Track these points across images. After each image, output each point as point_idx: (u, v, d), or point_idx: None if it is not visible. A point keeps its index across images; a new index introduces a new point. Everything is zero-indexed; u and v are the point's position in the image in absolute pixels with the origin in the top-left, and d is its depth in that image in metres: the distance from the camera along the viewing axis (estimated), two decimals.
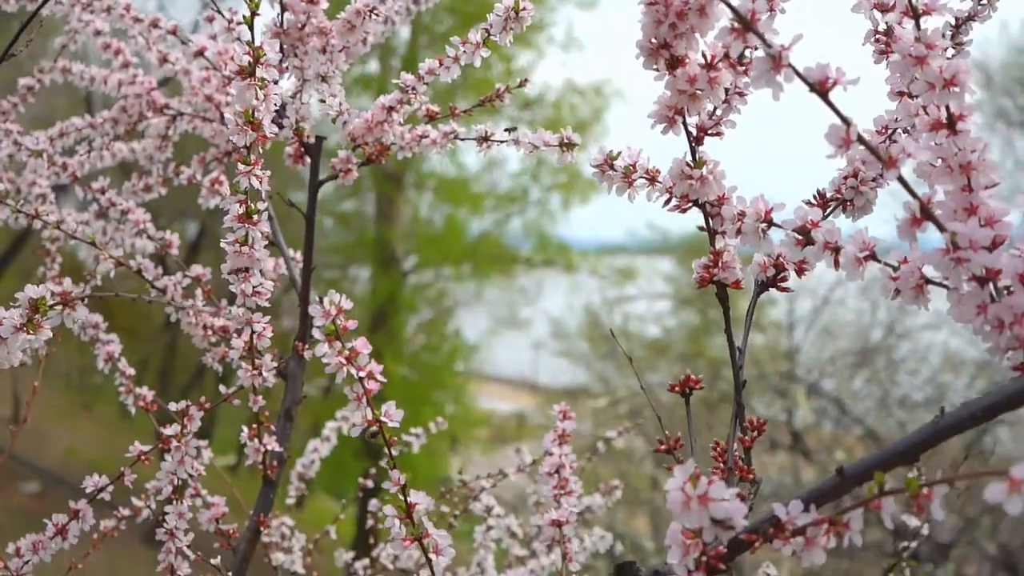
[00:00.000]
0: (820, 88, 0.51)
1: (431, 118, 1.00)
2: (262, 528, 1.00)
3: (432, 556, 0.65)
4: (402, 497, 0.65)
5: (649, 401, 0.81)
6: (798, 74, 0.51)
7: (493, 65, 11.23)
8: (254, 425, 0.97)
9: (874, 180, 0.67)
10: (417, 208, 12.20)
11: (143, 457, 0.93)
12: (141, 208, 1.11)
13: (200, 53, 1.06)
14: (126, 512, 1.12)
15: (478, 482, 1.35)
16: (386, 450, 0.65)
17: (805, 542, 0.51)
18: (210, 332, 1.03)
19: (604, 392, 8.44)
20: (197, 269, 1.06)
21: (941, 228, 0.51)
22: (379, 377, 0.63)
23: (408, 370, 10.72)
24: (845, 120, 0.51)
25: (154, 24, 1.10)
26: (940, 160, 0.55)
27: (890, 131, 0.70)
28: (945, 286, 0.54)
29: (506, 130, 0.93)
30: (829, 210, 0.69)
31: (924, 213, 0.52)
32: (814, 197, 0.69)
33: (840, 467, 0.52)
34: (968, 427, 0.49)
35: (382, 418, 0.63)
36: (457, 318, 12.14)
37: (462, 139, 0.96)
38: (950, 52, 0.72)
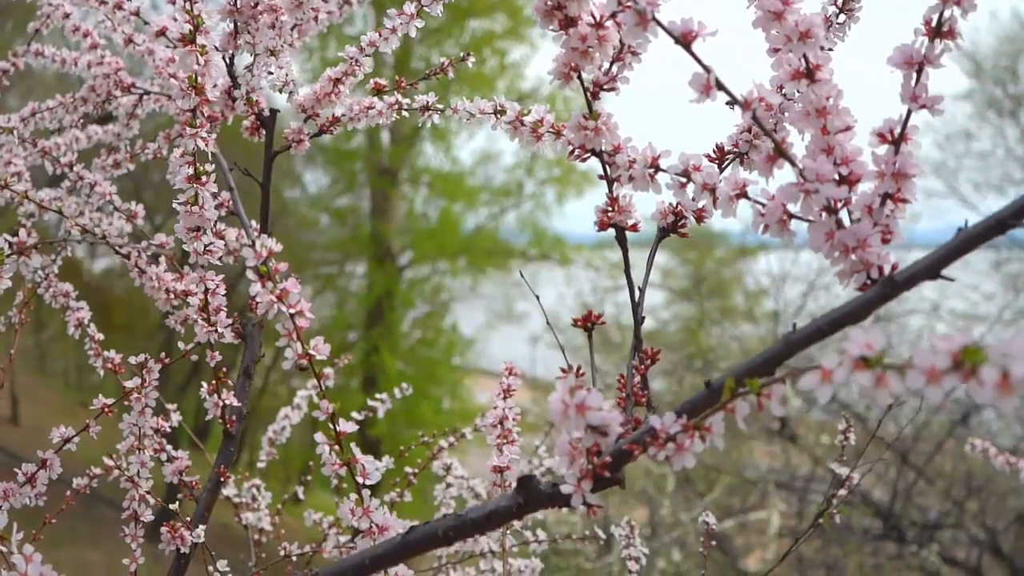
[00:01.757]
0: (684, 40, 0.57)
1: (379, 91, 1.06)
2: (222, 479, 1.06)
3: (360, 479, 0.71)
4: (331, 426, 0.71)
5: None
6: (663, 27, 0.57)
7: (487, 60, 11.29)
8: (213, 381, 1.03)
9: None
10: (412, 203, 12.25)
11: (107, 410, 0.99)
12: (108, 182, 1.16)
13: (162, 33, 1.11)
14: (97, 471, 1.18)
15: (437, 441, 1.41)
16: (316, 382, 0.71)
17: (676, 447, 0.57)
18: (172, 296, 1.09)
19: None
20: (160, 237, 1.12)
21: (794, 164, 0.57)
22: (308, 314, 0.69)
23: (405, 365, 10.78)
24: (706, 68, 0.57)
25: (118, 6, 1.16)
26: (800, 106, 0.61)
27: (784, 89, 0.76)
28: (804, 219, 0.60)
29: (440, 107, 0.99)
30: (727, 162, 0.75)
31: (778, 151, 0.58)
32: (713, 150, 0.75)
33: (708, 380, 0.58)
34: (817, 340, 0.55)
35: (311, 351, 0.69)
36: (453, 313, 12.19)
37: (406, 109, 1.02)
38: (842, 18, 0.78)
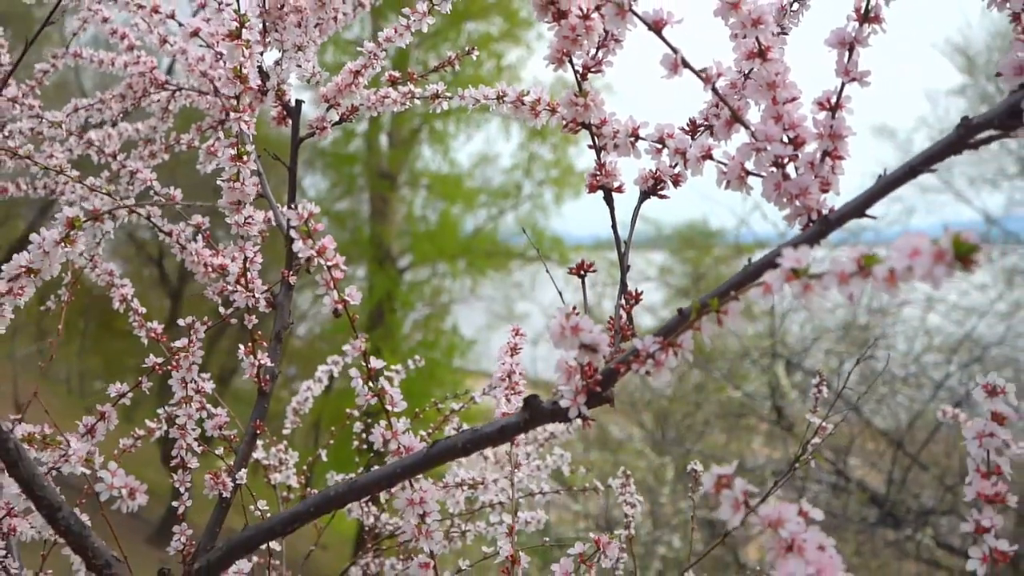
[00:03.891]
0: (656, 27, 0.69)
1: (393, 82, 1.18)
2: (257, 432, 1.18)
3: (389, 407, 0.83)
4: (364, 363, 0.83)
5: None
6: (638, 17, 0.69)
7: (483, 63, 11.42)
8: (249, 344, 1.15)
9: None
10: (411, 206, 12.37)
11: (157, 368, 1.11)
12: (148, 170, 1.29)
13: (195, 34, 1.24)
14: (141, 432, 1.30)
15: (448, 403, 1.53)
16: (351, 324, 0.83)
17: (655, 363, 0.69)
18: (209, 269, 1.21)
19: None
20: (197, 218, 1.24)
21: (747, 127, 0.70)
22: (342, 267, 0.81)
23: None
24: (674, 50, 0.69)
25: (155, 10, 1.28)
26: (755, 81, 0.73)
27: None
28: (758, 174, 0.72)
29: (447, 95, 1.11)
30: (699, 133, 0.87)
31: (734, 117, 0.70)
32: (687, 123, 0.87)
33: (680, 308, 0.70)
34: (771, 267, 0.67)
35: (346, 297, 0.81)
36: (453, 314, 12.31)
37: (418, 98, 1.14)
38: (796, 6, 0.90)
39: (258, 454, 1.49)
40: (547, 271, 1.07)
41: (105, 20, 1.39)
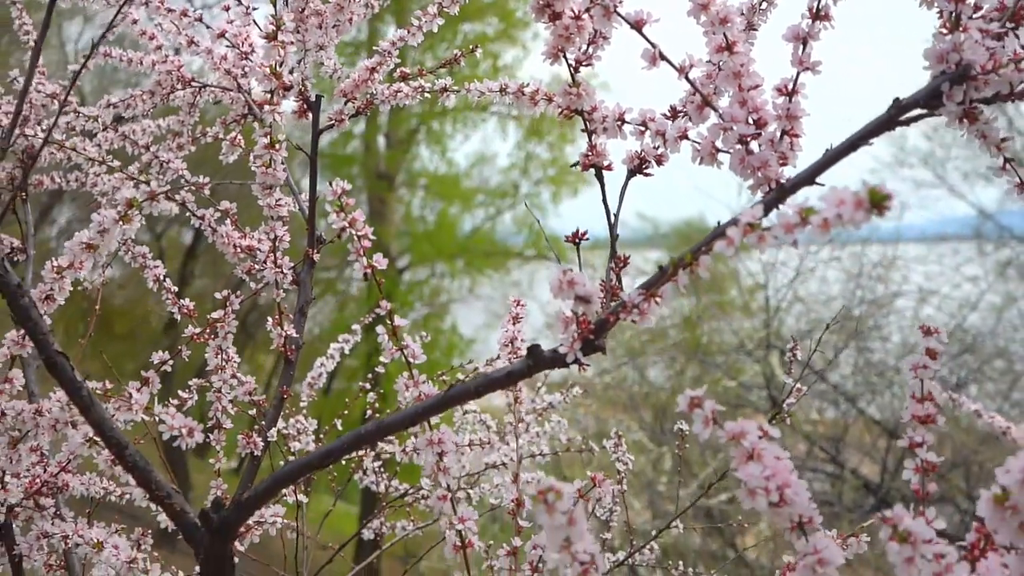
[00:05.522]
0: (637, 25, 0.81)
1: (404, 78, 1.30)
2: (284, 396, 1.30)
3: (411, 360, 0.95)
4: (389, 322, 0.95)
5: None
6: (622, 17, 0.81)
7: (480, 63, 11.55)
8: (277, 316, 1.27)
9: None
10: (409, 206, 12.49)
11: (196, 337, 1.23)
12: (179, 160, 1.40)
13: (221, 35, 1.36)
14: (175, 402, 1.42)
15: (455, 372, 1.65)
16: (376, 285, 0.95)
17: (640, 312, 0.81)
18: (238, 250, 1.33)
19: (604, 386, 8.66)
20: (225, 204, 1.36)
21: (715, 110, 0.82)
22: (370, 236, 0.93)
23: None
24: (653, 45, 0.82)
25: (183, 13, 1.40)
26: (724, 71, 0.85)
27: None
28: (726, 151, 0.84)
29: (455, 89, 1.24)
30: (678, 118, 0.99)
31: (705, 102, 0.82)
32: (668, 109, 0.99)
33: (660, 265, 0.82)
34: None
35: (373, 263, 0.93)
36: (452, 314, 12.42)
37: (427, 92, 1.27)
38: (764, 5, 1.02)
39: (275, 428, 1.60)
40: (558, 258, 1.19)
41: (135, 22, 1.51)
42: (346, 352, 1.78)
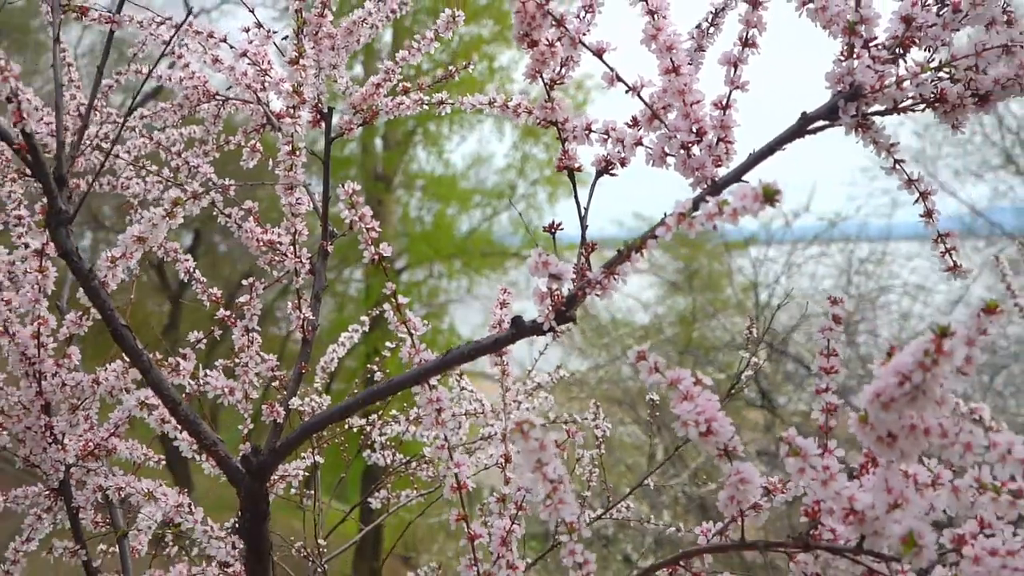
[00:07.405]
0: (598, 53, 1.00)
1: (405, 92, 1.48)
2: (303, 371, 1.48)
3: (412, 331, 1.13)
4: (394, 300, 1.14)
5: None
6: (584, 46, 0.99)
7: (475, 65, 11.74)
8: (296, 301, 1.45)
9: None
10: (407, 207, 12.66)
11: (227, 320, 1.41)
12: (207, 165, 1.59)
13: (244, 54, 1.54)
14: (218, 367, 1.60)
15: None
16: (384, 272, 1.13)
17: (602, 287, 0.99)
18: (260, 243, 1.51)
19: (599, 380, 8.81)
20: (248, 203, 1.54)
21: (662, 121, 1.00)
22: (377, 228, 1.12)
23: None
24: (611, 68, 1.00)
25: (210, 35, 1.58)
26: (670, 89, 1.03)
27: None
28: (672, 155, 1.03)
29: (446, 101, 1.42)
30: (637, 127, 1.17)
31: (654, 115, 1.01)
32: (630, 119, 1.17)
33: (619, 248, 1.00)
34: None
35: (380, 251, 1.12)
36: (450, 314, 12.59)
37: (427, 104, 1.45)
38: (712, 30, 1.20)
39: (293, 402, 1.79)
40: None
41: (166, 44, 1.69)
42: (356, 340, 1.96)
